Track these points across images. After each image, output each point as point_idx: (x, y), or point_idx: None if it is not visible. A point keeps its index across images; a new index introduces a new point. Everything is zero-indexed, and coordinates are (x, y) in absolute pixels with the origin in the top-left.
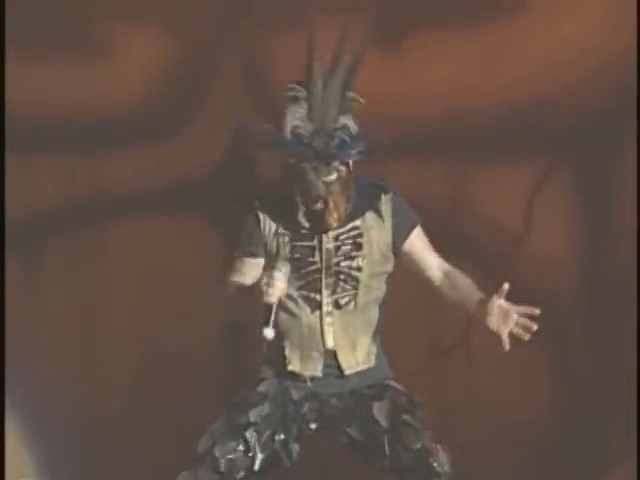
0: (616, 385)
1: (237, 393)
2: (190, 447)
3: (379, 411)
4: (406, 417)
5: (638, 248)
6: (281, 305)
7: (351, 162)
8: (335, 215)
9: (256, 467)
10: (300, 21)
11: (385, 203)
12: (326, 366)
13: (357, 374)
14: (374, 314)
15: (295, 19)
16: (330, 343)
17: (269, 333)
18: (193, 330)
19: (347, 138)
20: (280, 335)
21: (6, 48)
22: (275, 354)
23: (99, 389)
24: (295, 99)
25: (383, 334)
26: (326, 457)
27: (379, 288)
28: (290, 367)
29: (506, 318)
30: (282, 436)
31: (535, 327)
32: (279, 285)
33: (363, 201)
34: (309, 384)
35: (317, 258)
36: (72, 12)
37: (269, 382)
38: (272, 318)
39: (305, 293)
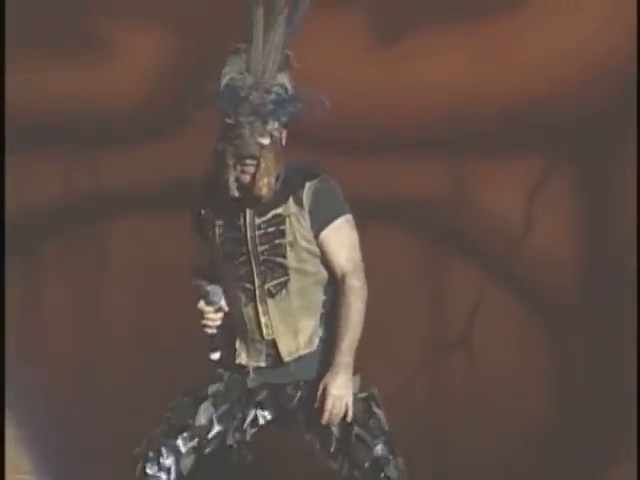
0: (616, 384)
1: None
2: None
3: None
4: (358, 430)
5: (638, 246)
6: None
7: (284, 134)
8: (265, 180)
9: (210, 436)
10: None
11: (307, 190)
12: (268, 355)
13: (300, 359)
14: (317, 297)
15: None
16: (266, 333)
17: (216, 356)
18: (193, 328)
19: (285, 95)
20: (233, 328)
21: (6, 47)
22: (229, 349)
23: (99, 388)
24: (236, 51)
25: (383, 333)
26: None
27: (317, 272)
28: (237, 360)
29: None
30: (239, 414)
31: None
32: (214, 317)
33: (287, 188)
34: (251, 374)
35: (244, 249)
36: (71, 11)
37: (225, 379)
38: (216, 343)
39: (241, 284)
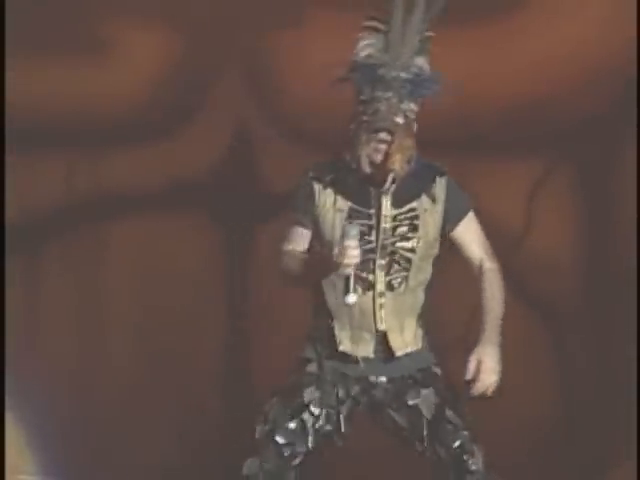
0: (616, 383)
1: (237, 392)
2: (190, 446)
3: (424, 402)
4: (449, 413)
5: (638, 246)
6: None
7: (415, 114)
8: (399, 157)
9: (310, 446)
10: (299, 21)
11: (439, 186)
12: (377, 347)
13: (407, 356)
14: (421, 297)
15: (295, 19)
16: (382, 325)
17: (352, 299)
18: (193, 329)
19: (423, 76)
20: (328, 315)
21: (7, 47)
22: (322, 334)
23: (99, 388)
24: (374, 29)
25: None
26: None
27: (427, 271)
28: (341, 347)
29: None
30: (334, 417)
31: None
32: (353, 253)
33: (419, 182)
34: (361, 364)
35: (373, 237)
36: (71, 11)
37: (317, 363)
38: (352, 285)
39: (358, 273)
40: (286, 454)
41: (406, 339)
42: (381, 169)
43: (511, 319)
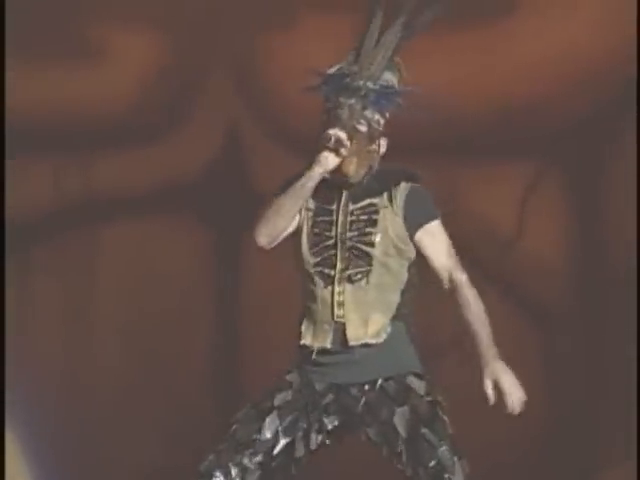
0: (609, 385)
1: (226, 393)
2: (181, 448)
3: (399, 418)
4: (424, 431)
5: (638, 249)
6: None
7: (383, 142)
8: (354, 160)
9: (275, 451)
10: (289, 22)
11: (402, 189)
12: (334, 338)
13: (365, 348)
14: (393, 297)
15: (284, 21)
16: (337, 315)
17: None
18: (183, 331)
19: (390, 89)
20: (305, 313)
21: None
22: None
23: (88, 390)
24: (353, 50)
25: None
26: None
27: (399, 272)
28: (302, 341)
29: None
30: (304, 424)
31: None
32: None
33: (382, 183)
34: (314, 355)
35: (333, 232)
36: (62, 15)
37: (295, 373)
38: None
39: (320, 269)
40: (242, 448)
41: (368, 332)
42: (337, 172)
43: (502, 322)
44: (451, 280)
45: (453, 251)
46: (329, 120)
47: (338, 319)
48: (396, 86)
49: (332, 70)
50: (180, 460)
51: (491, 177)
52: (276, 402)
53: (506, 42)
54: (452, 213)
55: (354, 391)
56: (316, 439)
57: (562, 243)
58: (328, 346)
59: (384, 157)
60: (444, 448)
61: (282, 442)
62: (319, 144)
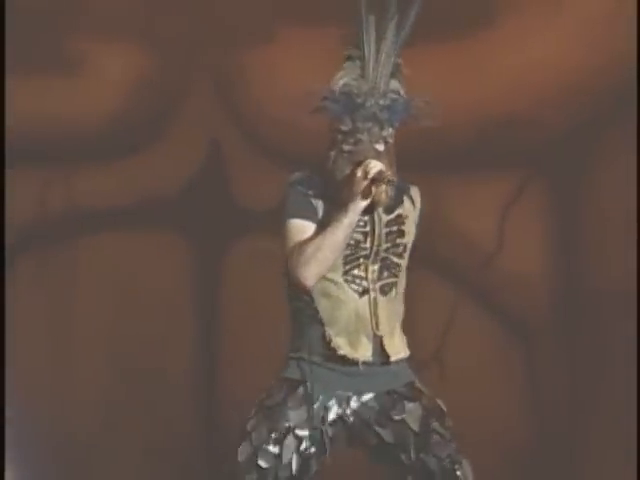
0: (588, 397)
1: (208, 409)
2: (163, 463)
3: (410, 415)
4: (436, 425)
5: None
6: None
7: (393, 137)
8: (384, 187)
9: (294, 471)
10: (270, 36)
11: (414, 191)
12: (375, 351)
13: (396, 366)
14: (402, 305)
15: (266, 35)
16: (379, 329)
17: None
18: (165, 346)
19: (400, 101)
20: (319, 324)
21: None
22: (312, 347)
23: (71, 407)
24: (349, 58)
25: None
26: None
27: (404, 280)
28: (341, 352)
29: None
30: (318, 438)
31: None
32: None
33: (399, 190)
34: (361, 368)
35: (368, 244)
36: (43, 28)
37: (305, 383)
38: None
39: (350, 278)
40: (269, 478)
41: (398, 345)
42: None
43: (483, 336)
44: None
45: None
46: (346, 141)
47: (378, 332)
48: (402, 94)
49: (337, 86)
50: (162, 476)
51: (471, 191)
52: (292, 422)
53: (487, 53)
54: (433, 226)
55: (372, 400)
56: (328, 451)
57: (543, 257)
58: (370, 359)
59: None
60: (454, 445)
61: (296, 462)
62: (357, 176)
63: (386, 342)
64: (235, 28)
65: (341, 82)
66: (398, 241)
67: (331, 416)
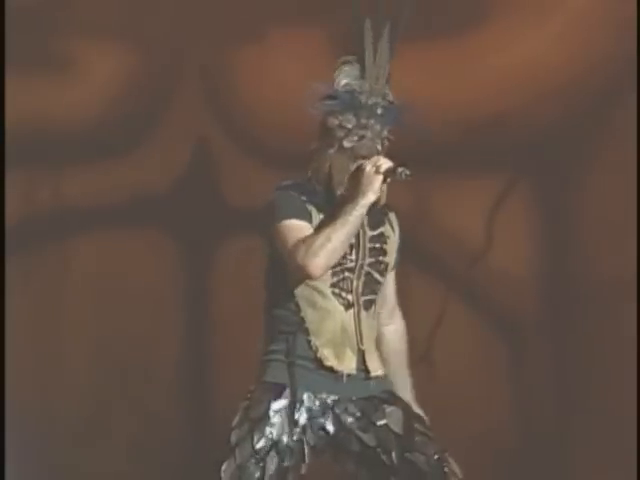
0: (576, 396)
1: (196, 408)
2: (151, 462)
3: (391, 417)
4: (418, 425)
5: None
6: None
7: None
8: (384, 189)
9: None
10: (259, 36)
11: (393, 218)
12: (358, 365)
13: (376, 378)
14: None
15: (254, 34)
16: (363, 342)
17: None
18: (154, 345)
19: (395, 104)
20: (302, 331)
21: None
22: (293, 348)
23: (59, 405)
24: (346, 62)
25: None
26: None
27: (380, 298)
28: (328, 363)
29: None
30: (295, 455)
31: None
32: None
33: (379, 212)
34: (344, 380)
35: (354, 256)
36: (30, 29)
37: (288, 389)
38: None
39: (337, 290)
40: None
41: (375, 362)
42: None
43: (472, 335)
44: (394, 311)
45: None
46: (349, 138)
47: (362, 347)
48: (393, 99)
49: (340, 85)
50: (149, 474)
51: (459, 190)
52: (275, 434)
53: (473, 54)
54: (421, 225)
55: (351, 407)
56: (307, 461)
57: (532, 256)
58: (354, 372)
59: None
60: (437, 444)
61: (279, 476)
62: (367, 171)
63: (367, 357)
64: (223, 28)
65: (343, 82)
66: (380, 258)
67: (313, 424)
